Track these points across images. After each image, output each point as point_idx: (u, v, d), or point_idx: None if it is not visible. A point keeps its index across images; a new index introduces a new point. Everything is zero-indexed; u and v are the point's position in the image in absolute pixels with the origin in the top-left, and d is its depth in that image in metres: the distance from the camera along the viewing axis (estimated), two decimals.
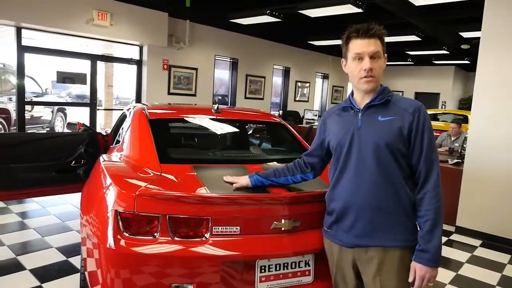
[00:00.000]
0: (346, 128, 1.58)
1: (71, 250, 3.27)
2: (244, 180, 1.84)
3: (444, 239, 4.19)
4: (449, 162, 4.89)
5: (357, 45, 1.51)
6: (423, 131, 1.48)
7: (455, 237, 4.30)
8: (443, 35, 8.59)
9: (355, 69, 1.54)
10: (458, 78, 14.24)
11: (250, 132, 4.14)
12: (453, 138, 6.25)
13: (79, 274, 2.78)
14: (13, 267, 2.94)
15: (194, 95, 8.07)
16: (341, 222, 1.59)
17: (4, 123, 7.37)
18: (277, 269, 1.78)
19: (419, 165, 1.49)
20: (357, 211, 1.53)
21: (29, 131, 6.89)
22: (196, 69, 8.00)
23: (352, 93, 1.64)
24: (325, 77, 11.94)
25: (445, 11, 7.18)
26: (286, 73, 10.54)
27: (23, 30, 5.76)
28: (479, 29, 4.30)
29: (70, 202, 4.56)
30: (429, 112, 10.10)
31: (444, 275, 3.29)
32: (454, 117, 8.96)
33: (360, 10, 6.18)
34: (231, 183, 1.85)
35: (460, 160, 4.88)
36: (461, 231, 4.37)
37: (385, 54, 1.56)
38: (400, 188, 1.49)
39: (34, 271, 2.89)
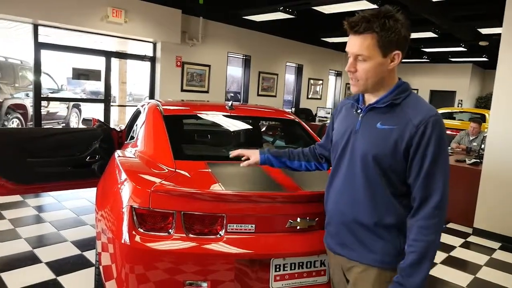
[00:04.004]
0: (346, 127, 1.41)
1: (86, 244, 3.31)
2: (253, 157, 1.73)
3: (461, 241, 4.11)
4: (467, 162, 4.79)
5: (348, 41, 1.30)
6: (425, 148, 1.21)
7: (472, 239, 4.20)
8: (460, 32, 8.41)
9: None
10: (475, 75, 13.93)
11: (263, 129, 4.11)
12: (471, 138, 6.11)
13: (93, 268, 2.80)
14: (29, 259, 2.99)
15: (207, 92, 8.08)
16: (329, 226, 1.49)
17: (21, 118, 7.50)
18: (292, 268, 1.76)
19: (414, 189, 1.25)
20: (340, 220, 1.40)
21: (45, 127, 7.00)
22: (209, 66, 8.01)
23: None
24: (338, 74, 11.82)
25: (463, 6, 7.01)
26: (299, 70, 10.47)
27: (39, 27, 5.84)
28: (498, 25, 4.18)
29: (85, 196, 4.61)
30: (445, 110, 9.92)
31: (461, 277, 3.22)
32: (471, 116, 8.77)
33: (375, 6, 6.09)
34: (240, 158, 1.77)
35: (478, 160, 4.77)
36: (479, 233, 4.27)
37: (394, 52, 1.26)
38: (388, 207, 1.29)
39: (50, 264, 2.93)
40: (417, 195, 1.25)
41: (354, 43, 1.27)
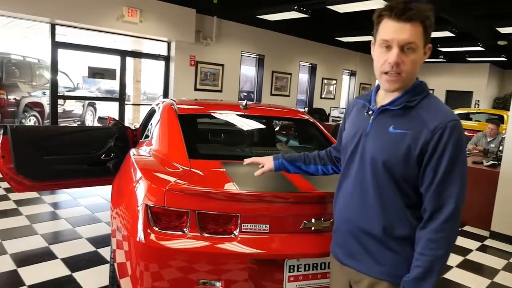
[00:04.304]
0: (356, 129, 1.31)
1: (100, 241, 3.35)
2: (267, 164, 1.64)
3: (477, 244, 4.02)
4: (484, 164, 4.68)
5: (387, 29, 1.16)
6: (441, 156, 1.12)
7: (489, 242, 4.11)
8: (478, 31, 8.23)
9: (379, 59, 1.20)
10: (493, 76, 13.63)
11: (277, 129, 4.09)
12: (489, 139, 5.98)
13: (108, 265, 2.83)
14: (45, 255, 3.04)
15: (220, 91, 8.10)
16: (336, 234, 1.40)
17: (38, 116, 7.65)
18: (306, 269, 1.75)
19: (426, 198, 1.16)
20: (347, 228, 1.31)
21: (61, 125, 7.12)
22: (222, 65, 8.02)
23: (377, 87, 1.32)
24: (352, 74, 11.71)
25: (481, 5, 6.86)
26: (312, 70, 10.41)
27: (57, 27, 5.94)
28: None
29: (100, 194, 4.67)
30: (462, 111, 9.74)
31: (478, 282, 3.15)
32: (488, 117, 8.59)
33: None
34: (254, 166, 1.70)
35: (496, 162, 4.66)
36: (497, 236, 4.17)
37: (428, 45, 1.19)
38: (400, 217, 1.20)
39: (65, 260, 2.97)
40: (428, 206, 1.15)
41: (403, 30, 1.13)
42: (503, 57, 10.96)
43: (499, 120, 6.90)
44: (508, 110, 4.27)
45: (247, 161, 1.73)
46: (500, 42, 9.01)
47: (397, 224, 1.20)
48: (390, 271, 1.22)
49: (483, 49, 9.68)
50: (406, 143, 1.16)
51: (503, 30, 7.78)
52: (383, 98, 1.26)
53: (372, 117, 1.27)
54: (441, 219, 1.13)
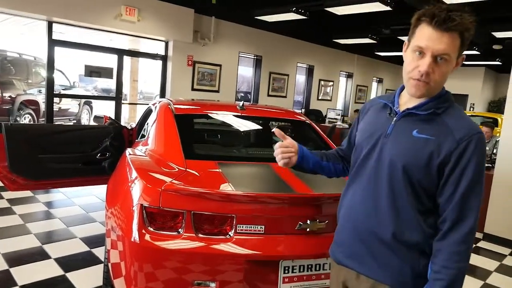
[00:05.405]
0: (374, 129, 1.27)
1: (95, 241, 3.33)
2: (294, 145, 1.41)
3: None
4: None
5: (424, 35, 1.11)
6: (465, 167, 1.10)
7: (482, 244, 4.14)
8: (474, 35, 8.28)
9: (409, 64, 1.16)
10: (488, 79, 13.73)
11: (273, 130, 4.08)
12: None
13: (102, 265, 2.82)
14: (38, 255, 3.02)
15: (217, 91, 8.09)
16: (339, 235, 1.36)
17: (34, 114, 7.60)
18: (301, 270, 1.75)
19: (447, 210, 1.13)
20: (355, 229, 1.28)
21: (56, 123, 7.08)
22: (220, 65, 8.01)
23: (401, 88, 1.28)
24: (349, 76, 11.74)
25: (477, 10, 6.90)
26: (309, 71, 10.42)
27: (54, 25, 5.90)
28: None
29: (94, 193, 4.65)
30: None
31: (471, 283, 3.17)
32: (483, 120, 8.64)
33: (388, 8, 6.02)
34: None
35: (490, 165, 4.69)
36: (490, 238, 4.20)
37: (461, 56, 1.16)
38: (411, 223, 1.17)
39: (59, 260, 2.95)
40: (450, 217, 1.12)
41: (441, 40, 1.09)
42: (498, 61, 11.04)
43: (494, 123, 6.95)
44: (503, 113, 4.30)
45: (276, 131, 1.45)
46: (495, 47, 9.08)
47: (407, 229, 1.17)
48: (393, 276, 1.20)
49: (478, 53, 9.74)
50: (429, 149, 1.13)
51: (498, 34, 7.84)
52: (408, 101, 1.23)
53: (394, 118, 1.23)
54: (464, 231, 1.11)
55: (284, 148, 1.38)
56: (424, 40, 1.11)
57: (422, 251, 1.17)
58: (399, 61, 12.44)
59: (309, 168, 1.45)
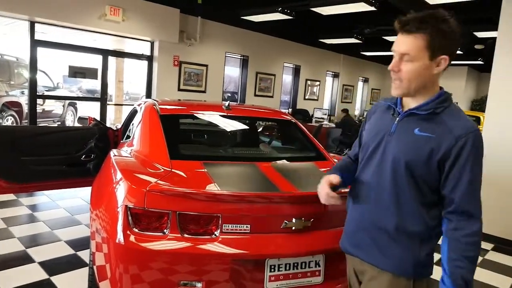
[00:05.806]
0: (379, 129, 1.37)
1: (80, 244, 3.29)
2: (334, 178, 1.41)
3: None
4: None
5: (396, 40, 1.27)
6: (465, 163, 1.19)
7: None
8: (454, 36, 8.44)
9: None
10: (470, 78, 14.02)
11: (260, 129, 4.11)
12: None
13: (87, 268, 2.78)
14: (22, 259, 2.96)
15: (204, 91, 8.06)
16: (347, 226, 1.47)
17: (16, 116, 7.45)
18: (287, 268, 1.76)
19: (455, 203, 1.22)
20: (361, 221, 1.38)
21: (40, 125, 6.95)
22: (206, 65, 7.99)
23: None
24: (335, 75, 11.84)
25: (460, 10, 7.05)
26: (296, 71, 10.47)
27: (36, 25, 5.80)
28: (494, 29, 4.22)
29: (79, 196, 4.59)
30: None
31: None
32: None
33: (373, 8, 6.10)
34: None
35: None
36: None
37: (440, 56, 1.22)
38: (414, 215, 1.26)
39: (43, 264, 2.90)
40: (460, 210, 1.22)
41: (403, 42, 1.23)
42: (480, 60, 11.28)
43: (476, 122, 7.10)
44: (484, 111, 4.41)
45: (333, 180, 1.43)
46: (477, 46, 9.27)
47: (410, 221, 1.27)
48: (395, 264, 1.30)
49: (461, 52, 9.93)
50: (430, 146, 1.22)
51: (480, 34, 8.02)
52: (409, 102, 1.32)
53: (397, 118, 1.33)
54: (477, 224, 1.22)
55: (331, 198, 1.39)
56: (394, 43, 1.27)
57: (423, 240, 1.28)
58: (384, 60, 12.61)
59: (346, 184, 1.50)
